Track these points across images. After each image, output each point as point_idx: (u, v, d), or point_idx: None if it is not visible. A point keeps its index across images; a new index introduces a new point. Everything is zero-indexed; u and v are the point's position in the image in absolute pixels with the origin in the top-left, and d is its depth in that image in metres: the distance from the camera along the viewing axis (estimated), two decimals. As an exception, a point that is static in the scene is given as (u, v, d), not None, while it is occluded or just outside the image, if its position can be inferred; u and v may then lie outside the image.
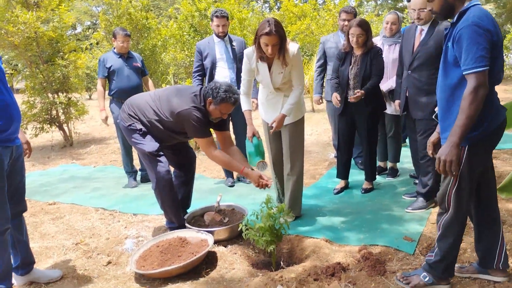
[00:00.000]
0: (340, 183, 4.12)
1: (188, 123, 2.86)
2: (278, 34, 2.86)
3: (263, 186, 2.89)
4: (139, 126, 3.02)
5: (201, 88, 2.99)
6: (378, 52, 3.63)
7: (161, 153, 3.03)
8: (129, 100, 3.17)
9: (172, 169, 3.27)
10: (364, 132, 3.78)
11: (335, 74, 3.89)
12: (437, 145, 2.27)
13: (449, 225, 2.14)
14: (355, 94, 3.58)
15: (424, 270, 2.25)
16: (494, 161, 2.51)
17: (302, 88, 3.19)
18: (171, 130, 3.02)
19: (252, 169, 2.98)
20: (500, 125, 2.06)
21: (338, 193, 4.01)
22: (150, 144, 3.00)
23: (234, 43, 4.26)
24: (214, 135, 3.19)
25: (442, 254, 2.19)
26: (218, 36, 4.21)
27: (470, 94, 1.88)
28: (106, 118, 4.60)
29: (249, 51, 3.10)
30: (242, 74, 3.24)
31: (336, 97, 3.75)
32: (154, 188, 3.08)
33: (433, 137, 2.27)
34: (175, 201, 3.10)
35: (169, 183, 3.02)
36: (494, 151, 4.35)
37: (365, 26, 3.54)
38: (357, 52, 3.67)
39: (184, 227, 3.10)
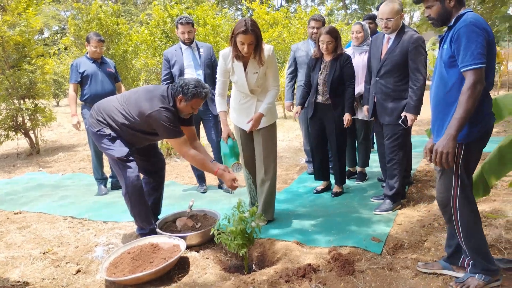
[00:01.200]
0: (322, 184, 4.22)
1: (159, 124, 2.85)
2: (254, 33, 2.93)
3: (233, 188, 2.93)
4: (108, 131, 3.00)
5: (168, 87, 2.99)
6: (348, 58, 3.75)
7: (131, 158, 3.02)
8: (97, 105, 3.15)
9: (142, 175, 3.25)
10: (333, 136, 3.88)
11: (305, 80, 3.98)
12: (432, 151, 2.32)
13: (468, 224, 2.19)
14: (344, 120, 3.74)
15: (475, 272, 2.24)
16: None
17: (278, 88, 3.27)
18: (141, 131, 3.01)
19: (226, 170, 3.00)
20: (491, 126, 2.17)
21: (318, 193, 4.14)
22: (119, 150, 2.98)
23: (201, 50, 4.26)
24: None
25: (477, 251, 2.21)
26: (184, 43, 4.20)
27: (469, 89, 1.97)
28: (79, 123, 4.52)
29: (225, 52, 3.15)
30: (218, 75, 3.28)
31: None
32: (123, 194, 3.05)
33: (429, 144, 2.30)
34: (145, 207, 3.09)
35: (138, 189, 3.01)
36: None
37: (334, 34, 3.65)
38: (327, 58, 3.78)
39: (155, 233, 3.08)
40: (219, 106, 3.29)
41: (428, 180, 4.24)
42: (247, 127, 3.24)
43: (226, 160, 3.18)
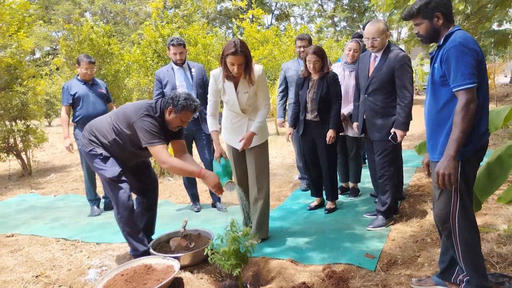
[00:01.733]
0: (315, 200, 4.25)
1: (141, 130, 2.85)
2: (244, 54, 2.99)
3: (219, 189, 2.88)
4: (99, 150, 3.02)
5: (158, 100, 3.02)
6: (334, 77, 3.83)
7: (123, 178, 3.03)
8: (89, 125, 3.18)
9: (134, 196, 3.25)
10: (323, 153, 3.92)
11: (295, 99, 4.05)
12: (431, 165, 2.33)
13: (466, 240, 2.19)
14: (327, 136, 3.79)
15: None
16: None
17: (268, 107, 3.31)
18: (131, 144, 3.00)
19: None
20: (486, 142, 2.21)
21: (311, 209, 4.16)
22: (111, 169, 2.99)
23: (193, 70, 4.31)
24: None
25: (473, 268, 2.22)
26: (176, 63, 4.25)
27: (462, 110, 2.00)
28: (71, 145, 4.52)
29: (216, 72, 3.20)
30: (209, 96, 3.31)
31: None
32: (115, 215, 3.06)
33: (426, 158, 2.33)
34: (137, 228, 3.09)
35: (130, 209, 3.02)
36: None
37: (320, 53, 3.75)
38: (314, 77, 3.86)
39: (149, 253, 3.07)
40: (210, 125, 3.32)
41: (420, 195, 4.28)
42: (239, 146, 3.27)
43: (219, 179, 3.19)
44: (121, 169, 3.03)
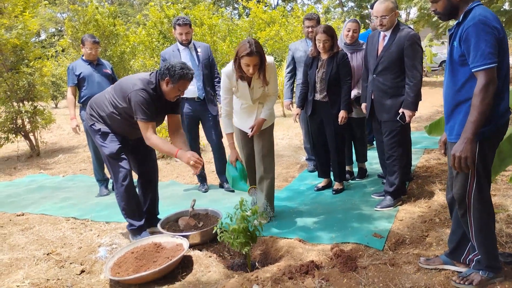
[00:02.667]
0: (323, 181, 4.25)
1: (134, 104, 2.88)
2: (259, 54, 2.96)
3: (195, 164, 2.83)
4: (98, 125, 3.10)
5: (154, 71, 3.03)
6: (344, 56, 3.77)
7: (122, 155, 3.09)
8: (90, 101, 3.24)
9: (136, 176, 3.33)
10: (331, 134, 3.91)
11: (303, 79, 4.00)
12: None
13: (480, 220, 2.17)
14: (339, 117, 3.76)
15: (479, 268, 2.25)
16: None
17: (276, 94, 3.35)
18: (127, 116, 3.01)
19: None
20: (507, 122, 2.13)
21: (318, 190, 4.17)
22: (110, 146, 3.07)
23: (199, 50, 4.26)
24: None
25: (485, 248, 2.21)
26: (182, 44, 4.20)
27: (481, 91, 1.93)
28: (77, 126, 4.53)
29: (229, 71, 3.14)
30: (222, 94, 3.26)
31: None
32: (115, 190, 3.16)
33: (443, 137, 2.29)
34: (134, 204, 3.17)
35: (127, 185, 3.09)
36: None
37: (330, 32, 3.67)
38: (324, 56, 3.80)
39: (144, 229, 3.20)
40: (226, 127, 3.29)
41: (428, 176, 4.26)
42: (248, 130, 3.30)
43: (236, 183, 3.23)
44: (120, 145, 3.08)
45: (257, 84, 3.17)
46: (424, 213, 3.34)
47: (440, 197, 3.63)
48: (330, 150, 4.03)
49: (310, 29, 4.46)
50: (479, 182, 2.13)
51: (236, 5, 27.28)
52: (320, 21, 4.52)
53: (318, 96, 3.86)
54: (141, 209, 3.27)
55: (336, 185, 4.12)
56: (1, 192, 4.89)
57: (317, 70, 3.82)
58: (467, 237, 2.30)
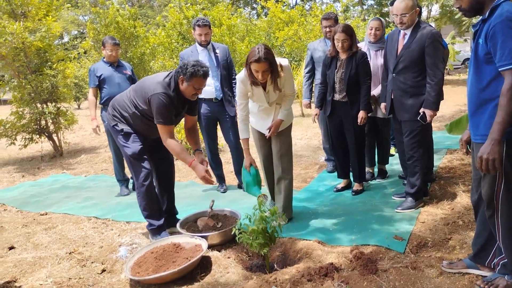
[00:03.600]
0: (342, 182, 4.21)
1: (154, 107, 2.94)
2: (268, 61, 2.93)
3: (207, 181, 3.00)
4: (121, 126, 3.15)
5: (172, 71, 3.07)
6: (363, 56, 3.71)
7: (144, 156, 3.15)
8: (112, 101, 3.30)
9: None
10: (351, 134, 3.86)
11: (322, 79, 3.97)
12: (469, 143, 2.23)
13: (508, 222, 2.10)
14: (359, 117, 3.73)
15: (505, 273, 2.19)
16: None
17: (293, 95, 3.33)
18: (148, 117, 3.08)
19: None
20: None
21: (338, 191, 4.13)
22: (132, 146, 3.12)
23: (217, 51, 4.28)
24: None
25: None
26: (201, 44, 4.22)
27: (509, 91, 1.85)
28: (98, 127, 4.61)
29: (242, 76, 3.14)
30: (238, 99, 3.29)
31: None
32: (135, 190, 3.24)
33: (465, 136, 2.22)
34: (154, 204, 3.22)
35: (147, 186, 3.14)
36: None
37: (349, 31, 3.62)
38: (343, 56, 3.75)
39: (164, 229, 3.25)
40: (242, 133, 3.32)
41: (451, 177, 4.17)
42: (266, 131, 3.30)
43: (249, 188, 3.25)
44: (141, 146, 3.13)
45: (272, 87, 3.15)
46: (447, 215, 3.26)
47: (463, 199, 3.54)
48: (350, 151, 3.99)
49: (328, 29, 4.42)
50: (507, 183, 2.06)
51: (254, 5, 27.29)
52: (338, 20, 4.48)
53: (337, 97, 3.82)
54: (161, 209, 3.31)
55: (356, 186, 4.07)
56: (26, 191, 5.01)
57: (336, 70, 3.78)
58: (493, 240, 2.23)
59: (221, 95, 4.24)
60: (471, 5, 2.03)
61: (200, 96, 3.93)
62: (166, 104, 2.93)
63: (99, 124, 4.65)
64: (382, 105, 3.75)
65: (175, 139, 3.05)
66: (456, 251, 2.68)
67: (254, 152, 3.46)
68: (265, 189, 3.56)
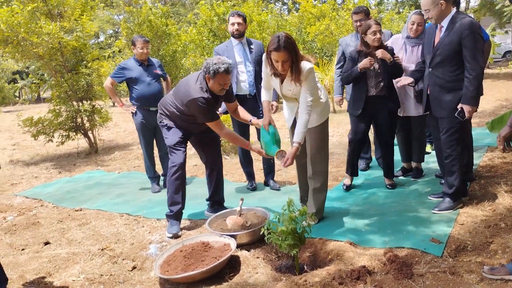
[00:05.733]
0: (348, 179, 4.19)
1: (196, 111, 3.19)
2: (287, 50, 2.78)
3: (262, 155, 3.25)
4: (165, 121, 3.44)
5: (201, 72, 3.25)
6: (393, 52, 3.78)
7: (180, 147, 3.38)
8: (160, 102, 3.59)
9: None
10: (384, 128, 3.87)
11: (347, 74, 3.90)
12: (508, 139, 2.14)
13: None
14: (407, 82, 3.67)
15: None
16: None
17: (309, 113, 2.97)
18: (188, 115, 3.32)
19: (268, 155, 3.21)
20: None
21: (347, 188, 4.14)
22: (171, 138, 3.40)
23: (252, 46, 4.23)
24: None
25: None
26: (233, 35, 4.18)
27: None
28: (129, 106, 4.64)
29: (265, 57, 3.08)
30: (262, 74, 3.25)
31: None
32: (167, 177, 3.50)
33: (504, 131, 2.12)
34: (177, 192, 3.40)
35: (177, 174, 3.36)
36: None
37: (380, 25, 3.64)
38: (373, 51, 3.70)
39: (180, 216, 3.47)
40: (262, 96, 3.32)
41: (492, 177, 3.95)
42: (290, 125, 3.31)
43: (268, 148, 3.14)
44: (180, 139, 3.39)
45: (287, 85, 3.02)
46: (488, 217, 3.09)
47: (506, 200, 3.35)
48: (380, 146, 4.03)
49: (358, 23, 4.29)
50: None
51: (285, 0, 27.09)
52: (369, 14, 4.33)
53: (373, 91, 3.76)
54: (183, 199, 3.48)
55: (387, 181, 4.07)
56: (62, 187, 5.16)
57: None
58: None
59: (254, 91, 4.20)
60: None
61: (236, 92, 4.08)
62: (205, 105, 3.14)
63: (130, 104, 4.69)
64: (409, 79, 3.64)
65: (227, 129, 3.35)
66: (498, 256, 2.52)
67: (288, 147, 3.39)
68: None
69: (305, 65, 2.91)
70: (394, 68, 3.70)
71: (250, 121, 3.49)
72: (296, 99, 3.14)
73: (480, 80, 3.11)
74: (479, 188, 3.70)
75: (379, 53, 3.64)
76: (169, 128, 3.43)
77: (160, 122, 3.50)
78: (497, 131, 3.49)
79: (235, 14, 4.16)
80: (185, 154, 3.42)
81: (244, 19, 4.17)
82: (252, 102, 4.20)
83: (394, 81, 3.85)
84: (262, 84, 3.32)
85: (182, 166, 3.37)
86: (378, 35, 3.60)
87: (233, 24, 4.14)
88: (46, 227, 3.80)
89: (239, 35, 4.17)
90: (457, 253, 2.60)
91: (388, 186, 4.03)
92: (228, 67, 3.07)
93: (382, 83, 3.71)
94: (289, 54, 2.81)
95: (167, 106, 3.41)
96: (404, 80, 3.68)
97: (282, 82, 3.06)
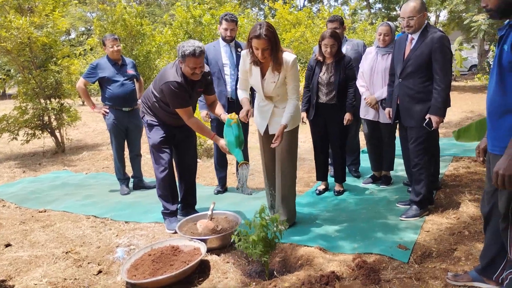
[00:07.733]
0: (322, 184, 4.28)
1: (168, 95, 3.14)
2: (268, 38, 2.84)
3: (226, 151, 3.20)
4: (147, 117, 3.42)
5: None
6: (350, 61, 3.89)
7: (164, 146, 3.37)
8: (142, 96, 3.57)
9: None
10: (336, 136, 3.99)
11: (306, 83, 4.01)
12: (486, 151, 2.13)
13: None
14: (345, 119, 3.89)
15: None
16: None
17: (297, 98, 3.21)
18: (164, 105, 3.28)
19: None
20: None
21: (319, 193, 4.20)
22: (153, 137, 3.39)
23: (239, 49, 4.15)
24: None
25: None
26: (224, 40, 4.15)
27: None
28: (101, 108, 4.52)
29: (245, 52, 3.10)
30: (239, 74, 3.26)
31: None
32: (155, 177, 3.47)
33: (482, 143, 2.14)
34: (170, 192, 3.45)
35: (165, 174, 3.37)
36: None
37: (337, 37, 3.75)
38: (328, 61, 3.86)
39: (176, 214, 3.49)
40: (240, 95, 3.28)
41: (457, 185, 4.09)
42: (262, 130, 3.30)
43: (231, 148, 3.12)
44: (162, 138, 3.36)
45: (270, 77, 3.06)
46: (453, 224, 3.19)
47: (469, 208, 3.46)
48: (332, 152, 4.13)
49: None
50: None
51: (262, 6, 27.22)
52: (343, 23, 4.41)
53: (323, 99, 3.90)
54: (176, 196, 3.52)
55: (337, 187, 4.19)
56: (26, 187, 4.97)
57: (322, 73, 3.87)
58: (503, 253, 2.16)
59: (236, 96, 4.17)
60: (498, 6, 1.87)
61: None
62: (177, 90, 3.09)
63: (101, 106, 4.57)
64: (387, 110, 3.69)
65: (194, 118, 3.28)
66: (461, 263, 2.60)
67: (258, 155, 3.39)
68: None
69: (289, 56, 3.01)
70: (346, 80, 3.83)
71: (220, 115, 3.41)
72: (274, 99, 3.18)
73: (448, 92, 3.22)
74: (444, 197, 3.82)
75: (346, 117, 3.87)
76: (150, 126, 3.40)
77: (142, 118, 3.49)
78: (463, 140, 3.62)
79: (228, 19, 4.07)
80: (171, 154, 3.42)
81: (236, 23, 4.15)
82: (234, 106, 4.17)
83: (362, 98, 4.10)
84: (238, 85, 3.30)
85: (169, 164, 3.38)
86: (328, 49, 3.72)
87: (226, 29, 4.09)
88: (8, 228, 3.65)
89: (231, 40, 4.15)
90: (423, 260, 2.67)
91: (335, 193, 4.13)
92: (195, 49, 2.98)
93: (332, 93, 3.84)
94: (270, 42, 2.86)
95: (149, 98, 3.39)
96: (370, 100, 4.05)
97: (263, 76, 3.07)
